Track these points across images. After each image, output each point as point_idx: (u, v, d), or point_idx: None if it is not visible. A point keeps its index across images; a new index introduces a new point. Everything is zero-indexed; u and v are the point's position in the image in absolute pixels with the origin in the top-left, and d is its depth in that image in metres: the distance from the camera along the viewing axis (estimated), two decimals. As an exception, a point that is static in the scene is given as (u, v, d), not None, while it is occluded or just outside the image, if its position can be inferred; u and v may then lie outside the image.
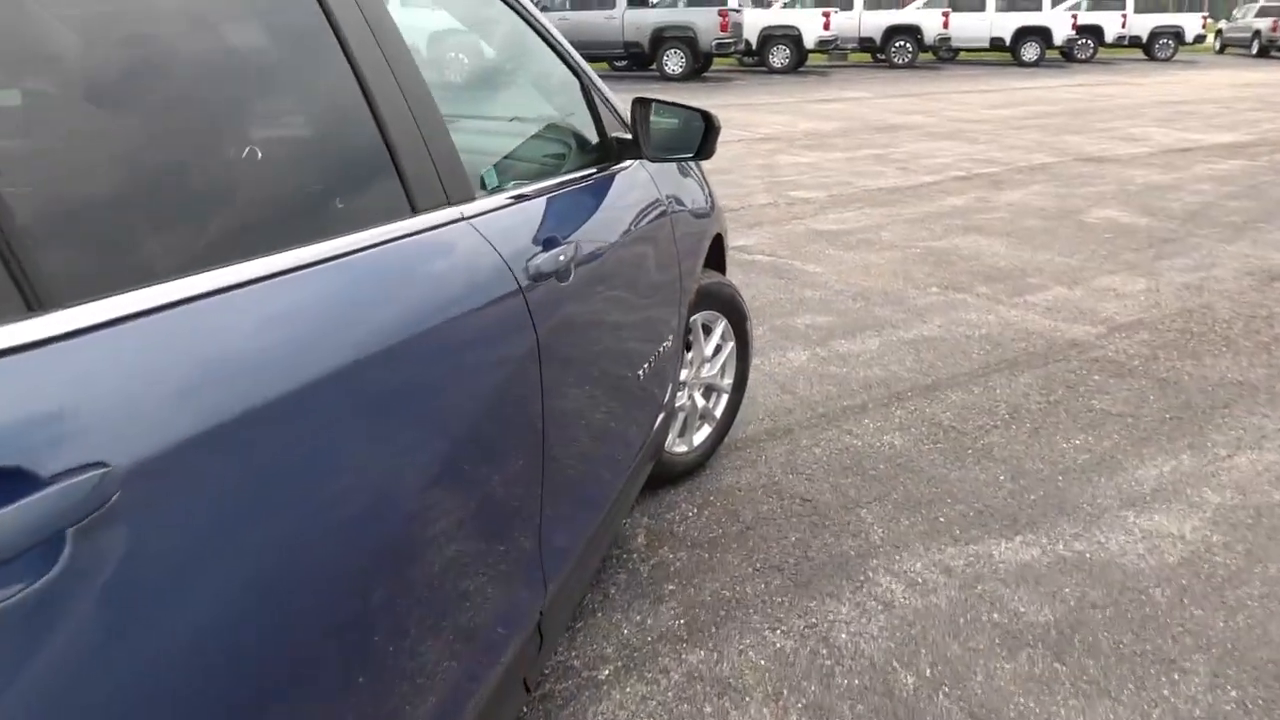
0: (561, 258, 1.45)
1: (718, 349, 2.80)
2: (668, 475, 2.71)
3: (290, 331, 0.94)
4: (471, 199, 1.33)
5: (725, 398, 2.86)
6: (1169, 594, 2.22)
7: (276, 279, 0.95)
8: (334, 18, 1.12)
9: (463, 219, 1.28)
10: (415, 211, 1.19)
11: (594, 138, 2.01)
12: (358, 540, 0.98)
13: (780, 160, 8.56)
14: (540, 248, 1.43)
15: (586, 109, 1.99)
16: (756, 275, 4.89)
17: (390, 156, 1.17)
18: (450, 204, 1.27)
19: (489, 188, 1.51)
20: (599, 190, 1.89)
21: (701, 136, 1.91)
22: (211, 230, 0.94)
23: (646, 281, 2.01)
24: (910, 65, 21.04)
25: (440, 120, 1.29)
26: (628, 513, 2.41)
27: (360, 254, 1.06)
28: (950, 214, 6.34)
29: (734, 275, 4.88)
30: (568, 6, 17.60)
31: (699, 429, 2.81)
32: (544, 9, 17.42)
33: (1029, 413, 3.22)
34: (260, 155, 1.02)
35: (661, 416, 2.27)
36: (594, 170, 1.94)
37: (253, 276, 0.92)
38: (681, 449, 2.74)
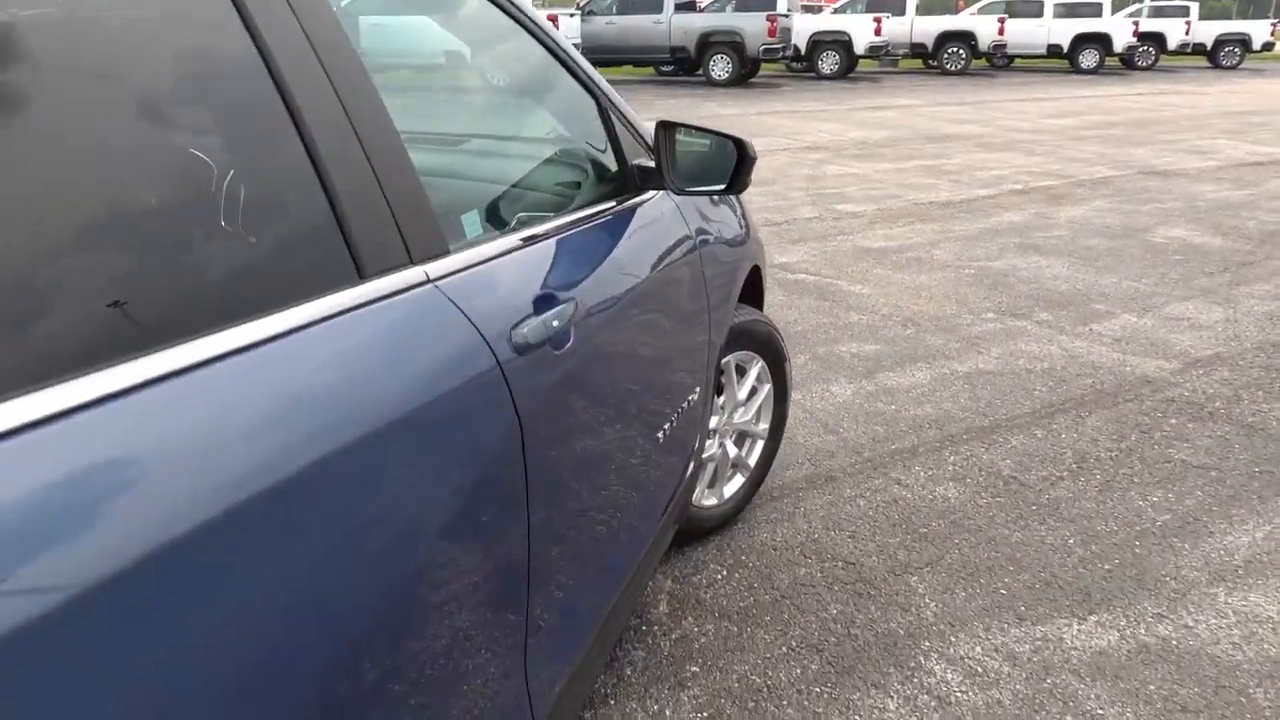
0: (556, 322, 1.20)
1: (753, 392, 2.54)
2: (695, 531, 2.46)
3: (176, 453, 0.71)
4: (444, 253, 1.09)
5: (760, 445, 2.60)
6: (1273, 696, 1.91)
7: (157, 386, 0.72)
8: (259, 35, 0.89)
9: (428, 282, 1.04)
10: (363, 276, 0.95)
11: (612, 165, 1.77)
12: (275, 688, 0.75)
13: (827, 170, 8.26)
14: (531, 309, 1.19)
15: (604, 133, 1.75)
16: (799, 296, 4.62)
17: (330, 210, 0.93)
18: (413, 263, 1.03)
19: (471, 236, 1.27)
20: (615, 227, 1.64)
21: (734, 167, 1.66)
22: (51, 329, 0.71)
23: (670, 330, 1.76)
24: (963, 72, 20.54)
25: (405, 161, 1.06)
26: (647, 585, 2.16)
27: (272, 345, 0.83)
28: (1007, 231, 6.01)
29: (775, 296, 4.62)
30: (614, 11, 17.40)
31: (730, 479, 2.55)
32: (589, 14, 17.26)
33: (1099, 462, 2.91)
34: (128, 218, 0.79)
35: (687, 476, 2.02)
36: (612, 203, 1.69)
37: (129, 384, 0.70)
38: (711, 502, 2.49)
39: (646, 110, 12.08)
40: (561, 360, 1.22)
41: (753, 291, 2.55)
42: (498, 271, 1.18)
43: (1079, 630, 2.12)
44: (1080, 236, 5.86)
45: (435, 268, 1.06)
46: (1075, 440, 3.06)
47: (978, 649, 2.06)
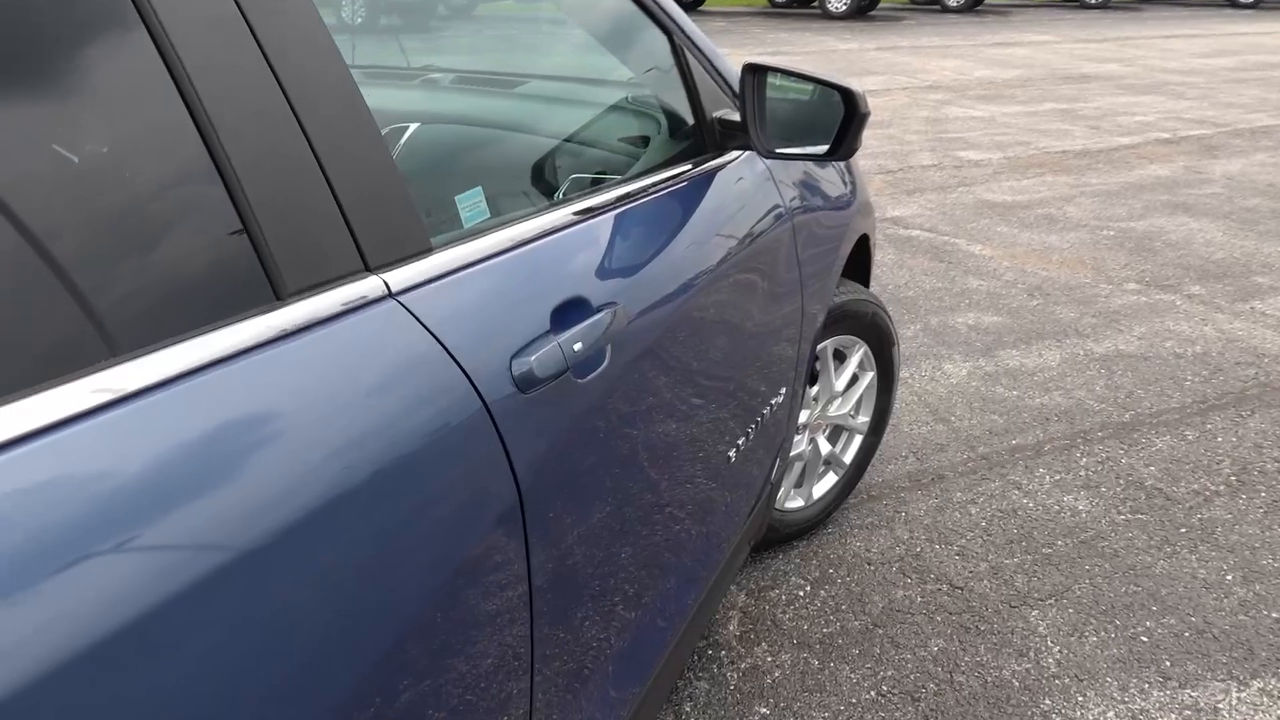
0: (579, 344, 0.89)
1: (852, 380, 2.19)
2: (776, 536, 2.15)
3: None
4: (421, 252, 0.79)
5: (858, 440, 2.26)
6: None
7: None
8: None
9: (388, 296, 0.75)
10: (280, 296, 0.67)
11: (688, 118, 1.44)
12: None
13: (949, 113, 7.63)
14: (547, 324, 0.88)
15: (679, 79, 1.41)
16: (911, 256, 4.19)
17: (227, 196, 0.64)
18: (369, 270, 0.74)
19: (474, 221, 0.96)
20: (687, 197, 1.32)
21: (840, 125, 1.30)
22: None
23: (751, 326, 1.44)
24: (1105, 5, 18.96)
25: (364, 125, 0.76)
26: (717, 609, 1.87)
27: (120, 409, 0.55)
28: (1152, 186, 5.38)
29: (884, 254, 4.20)
30: (728, -62, 16.59)
31: (821, 477, 2.23)
32: (701, -59, 16.50)
33: (1264, 475, 2.47)
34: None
35: (767, 491, 1.71)
36: (685, 166, 1.37)
37: None
38: (796, 504, 2.17)
39: (756, 45, 11.47)
40: (586, 392, 0.92)
41: (858, 263, 2.19)
42: (502, 273, 0.88)
43: (1239, 699, 1.74)
44: (1238, 195, 5.20)
45: (402, 275, 0.76)
46: (1234, 446, 2.61)
47: (1110, 714, 1.71)
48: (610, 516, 1.02)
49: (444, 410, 0.74)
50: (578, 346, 0.88)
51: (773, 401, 1.58)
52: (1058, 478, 2.47)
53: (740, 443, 1.44)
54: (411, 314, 0.75)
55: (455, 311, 0.79)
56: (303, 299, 0.68)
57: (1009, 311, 3.57)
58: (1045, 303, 3.66)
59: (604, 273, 1.02)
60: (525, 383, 0.82)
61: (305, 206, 0.69)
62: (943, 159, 6.07)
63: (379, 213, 0.75)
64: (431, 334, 0.75)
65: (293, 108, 0.69)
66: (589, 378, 0.92)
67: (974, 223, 4.69)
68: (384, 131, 1.51)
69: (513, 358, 0.82)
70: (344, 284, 0.71)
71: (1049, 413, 2.80)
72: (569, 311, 0.91)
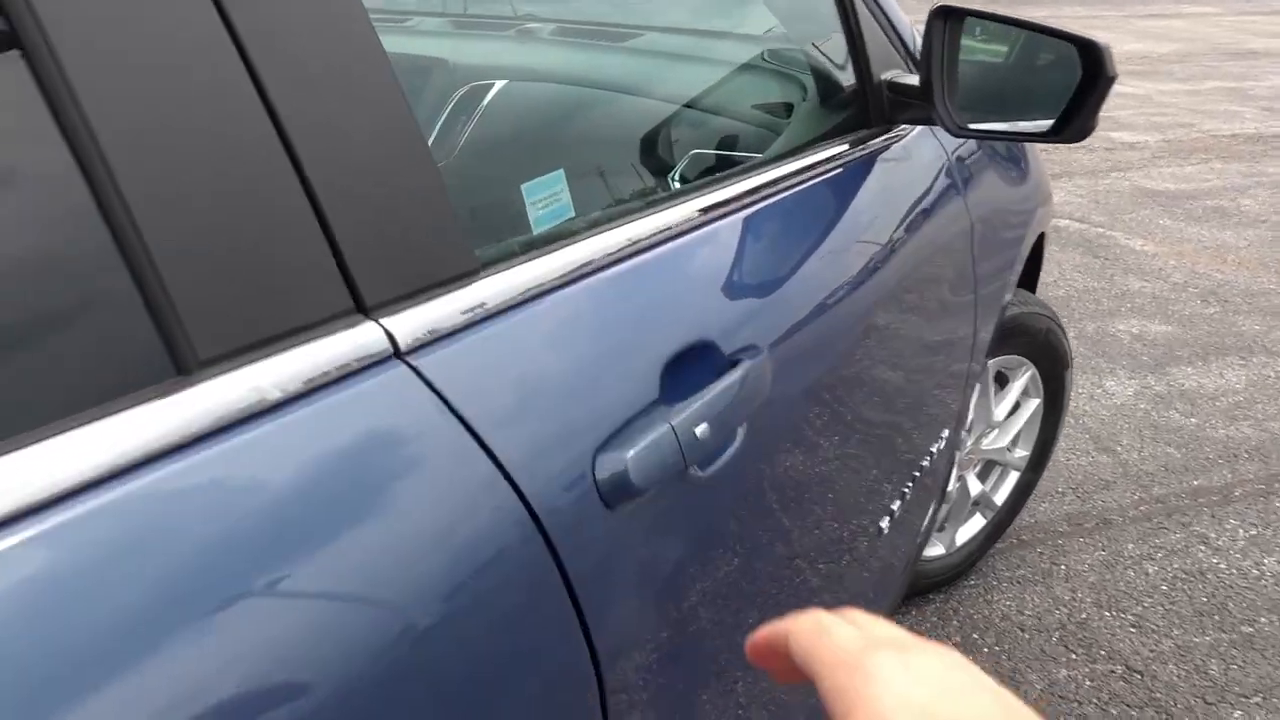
0: (703, 427, 0.57)
1: (1014, 407, 1.82)
2: (911, 589, 1.81)
3: None
4: (458, 278, 0.49)
5: (1013, 477, 1.89)
6: None
7: None
8: None
9: (391, 357, 0.45)
10: (188, 369, 0.37)
11: (846, 81, 1.10)
12: None
13: (1098, 90, 6.96)
14: (655, 392, 0.57)
15: (842, 30, 1.07)
16: (1060, 249, 3.72)
17: (113, 240, 0.35)
18: (363, 314, 0.44)
19: (545, 224, 0.65)
20: (846, 190, 0.98)
21: (1074, 92, 0.93)
22: None
23: (917, 360, 1.10)
24: (1269, -25, 17.42)
25: (381, 78, 0.46)
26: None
27: None
28: (1342, 178, 4.72)
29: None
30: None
31: (967, 519, 1.87)
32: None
33: None
34: None
35: (916, 552, 1.37)
36: (842, 145, 1.03)
37: None
38: (935, 551, 1.82)
39: (884, 12, 10.83)
40: (706, 492, 0.60)
41: (1027, 267, 1.81)
42: (586, 308, 0.56)
43: None
44: None
45: (418, 319, 0.46)
46: None
47: None
48: (728, 638, 0.71)
49: (474, 553, 0.43)
50: (701, 430, 0.56)
51: (933, 449, 1.24)
52: (1253, 532, 2.04)
53: (895, 506, 1.11)
54: (429, 385, 0.44)
55: (503, 378, 0.48)
56: (233, 369, 0.38)
57: (1180, 320, 3.09)
58: (1223, 311, 3.16)
59: (738, 299, 0.70)
60: (614, 493, 0.51)
61: (246, 206, 0.39)
62: (1092, 140, 5.48)
63: (385, 215, 0.45)
64: (460, 419, 0.45)
65: (267, 103, 0.39)
66: (712, 469, 0.60)
67: (1132, 213, 4.17)
68: (464, 89, 1.23)
69: (598, 452, 0.51)
70: (314, 339, 0.41)
71: (1237, 448, 2.36)
72: (688, 369, 0.59)
